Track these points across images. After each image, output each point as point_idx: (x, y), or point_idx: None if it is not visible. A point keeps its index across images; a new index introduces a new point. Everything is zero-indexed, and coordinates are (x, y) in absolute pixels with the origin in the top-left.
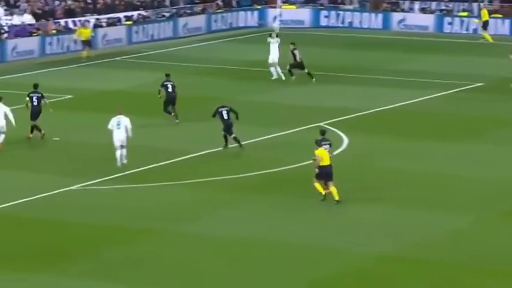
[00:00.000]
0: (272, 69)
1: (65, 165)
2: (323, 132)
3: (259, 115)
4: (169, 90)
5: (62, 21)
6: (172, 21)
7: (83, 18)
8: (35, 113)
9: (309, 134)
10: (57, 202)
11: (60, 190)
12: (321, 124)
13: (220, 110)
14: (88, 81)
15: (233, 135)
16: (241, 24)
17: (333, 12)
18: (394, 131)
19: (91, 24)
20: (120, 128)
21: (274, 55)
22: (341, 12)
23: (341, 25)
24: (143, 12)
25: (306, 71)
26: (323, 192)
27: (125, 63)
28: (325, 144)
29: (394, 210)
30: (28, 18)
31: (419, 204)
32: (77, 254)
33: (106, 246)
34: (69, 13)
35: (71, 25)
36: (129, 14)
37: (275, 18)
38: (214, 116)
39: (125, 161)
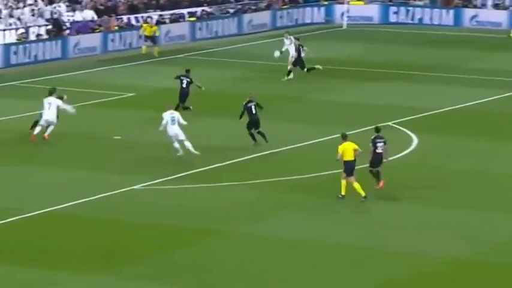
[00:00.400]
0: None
1: (126, 165)
2: (378, 129)
3: (325, 114)
4: (184, 85)
5: (125, 18)
6: (236, 17)
7: (145, 15)
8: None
9: None
10: (119, 202)
11: (122, 190)
12: (389, 123)
13: (249, 105)
14: (150, 79)
15: (259, 129)
16: (307, 21)
17: (402, 8)
18: (464, 131)
19: (154, 21)
20: (174, 123)
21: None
22: (411, 8)
23: (411, 21)
24: (207, 9)
25: (305, 70)
26: (343, 193)
27: (188, 61)
28: (380, 142)
29: (465, 212)
30: (90, 15)
31: (490, 206)
32: (137, 256)
33: (168, 248)
34: (132, 9)
35: (133, 21)
36: (192, 10)
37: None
38: (243, 113)
39: (196, 152)
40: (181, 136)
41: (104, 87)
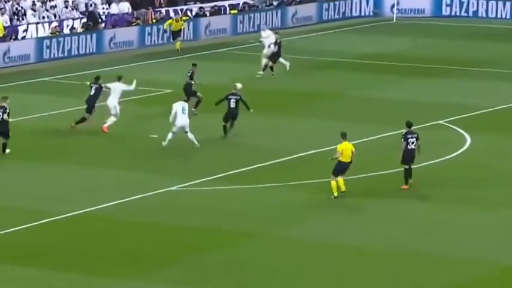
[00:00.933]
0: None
1: (163, 164)
2: (409, 124)
3: (372, 112)
4: (187, 80)
5: (163, 10)
6: (280, 10)
7: (185, 7)
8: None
9: (426, 134)
10: (155, 204)
11: (158, 191)
12: (441, 122)
13: (229, 97)
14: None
15: (234, 121)
16: (355, 14)
17: (456, 0)
18: None
19: (193, 13)
20: (185, 113)
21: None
22: (465, 0)
23: (465, 14)
24: (249, 1)
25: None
26: (335, 194)
27: (229, 55)
28: (412, 138)
29: None
30: (126, 7)
31: None
32: (173, 259)
33: (204, 251)
34: (171, 1)
35: (172, 14)
36: (234, 2)
37: (392, 6)
38: (221, 101)
39: (197, 144)
40: (187, 128)
41: (140, 83)
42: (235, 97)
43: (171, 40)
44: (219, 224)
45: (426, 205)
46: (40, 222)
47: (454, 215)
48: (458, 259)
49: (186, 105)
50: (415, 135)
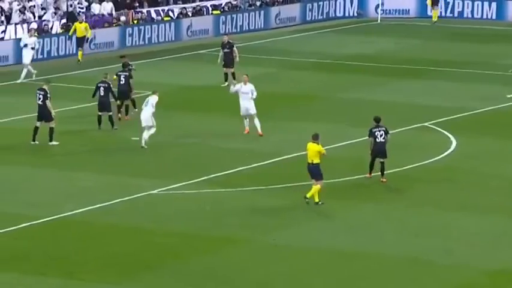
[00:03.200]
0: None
1: (145, 168)
2: (377, 119)
3: (356, 113)
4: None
5: (144, 11)
6: (263, 10)
7: (166, 8)
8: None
9: (412, 136)
10: (136, 207)
11: (140, 195)
12: (426, 124)
13: (99, 85)
14: (171, 76)
15: (110, 113)
16: (339, 14)
17: (441, 1)
18: (508, 134)
19: (175, 14)
20: (146, 105)
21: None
22: (450, 1)
23: (450, 15)
24: (232, 1)
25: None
26: (308, 195)
27: (211, 57)
28: (379, 131)
29: (504, 221)
30: (108, 7)
31: None
32: (155, 264)
33: (186, 257)
34: (152, 2)
35: (153, 15)
36: (216, 2)
37: (377, 7)
38: (95, 93)
39: (144, 146)
40: (149, 122)
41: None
42: (103, 85)
43: (76, 48)
44: (201, 229)
45: (412, 209)
46: (20, 226)
47: (440, 219)
48: (444, 264)
49: (150, 97)
50: (383, 129)
